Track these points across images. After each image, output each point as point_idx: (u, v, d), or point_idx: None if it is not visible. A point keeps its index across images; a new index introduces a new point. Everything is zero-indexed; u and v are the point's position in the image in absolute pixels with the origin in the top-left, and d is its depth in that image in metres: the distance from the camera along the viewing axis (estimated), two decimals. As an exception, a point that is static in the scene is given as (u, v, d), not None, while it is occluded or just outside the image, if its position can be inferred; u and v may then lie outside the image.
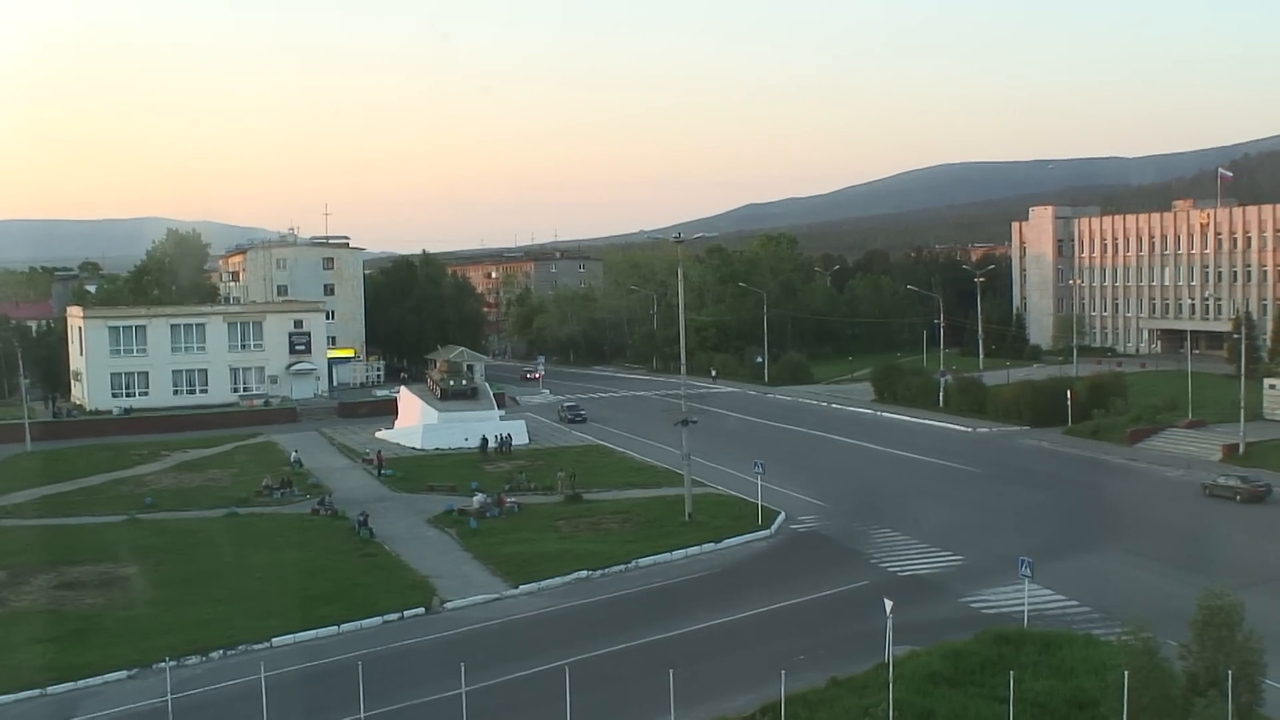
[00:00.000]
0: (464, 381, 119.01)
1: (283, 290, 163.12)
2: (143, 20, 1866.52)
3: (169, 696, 42.60)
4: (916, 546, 65.87)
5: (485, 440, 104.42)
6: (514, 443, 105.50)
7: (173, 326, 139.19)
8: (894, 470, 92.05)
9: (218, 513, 79.74)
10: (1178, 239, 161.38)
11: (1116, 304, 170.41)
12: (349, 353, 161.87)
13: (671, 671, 40.02)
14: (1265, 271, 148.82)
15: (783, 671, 40.02)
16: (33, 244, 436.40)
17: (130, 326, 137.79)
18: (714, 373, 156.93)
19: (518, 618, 55.44)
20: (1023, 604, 49.70)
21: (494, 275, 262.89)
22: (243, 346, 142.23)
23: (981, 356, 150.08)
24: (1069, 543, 65.25)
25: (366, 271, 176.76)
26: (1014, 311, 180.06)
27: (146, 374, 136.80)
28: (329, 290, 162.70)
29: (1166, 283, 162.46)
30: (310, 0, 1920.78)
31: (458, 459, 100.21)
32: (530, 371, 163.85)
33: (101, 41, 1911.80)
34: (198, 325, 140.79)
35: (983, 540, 66.71)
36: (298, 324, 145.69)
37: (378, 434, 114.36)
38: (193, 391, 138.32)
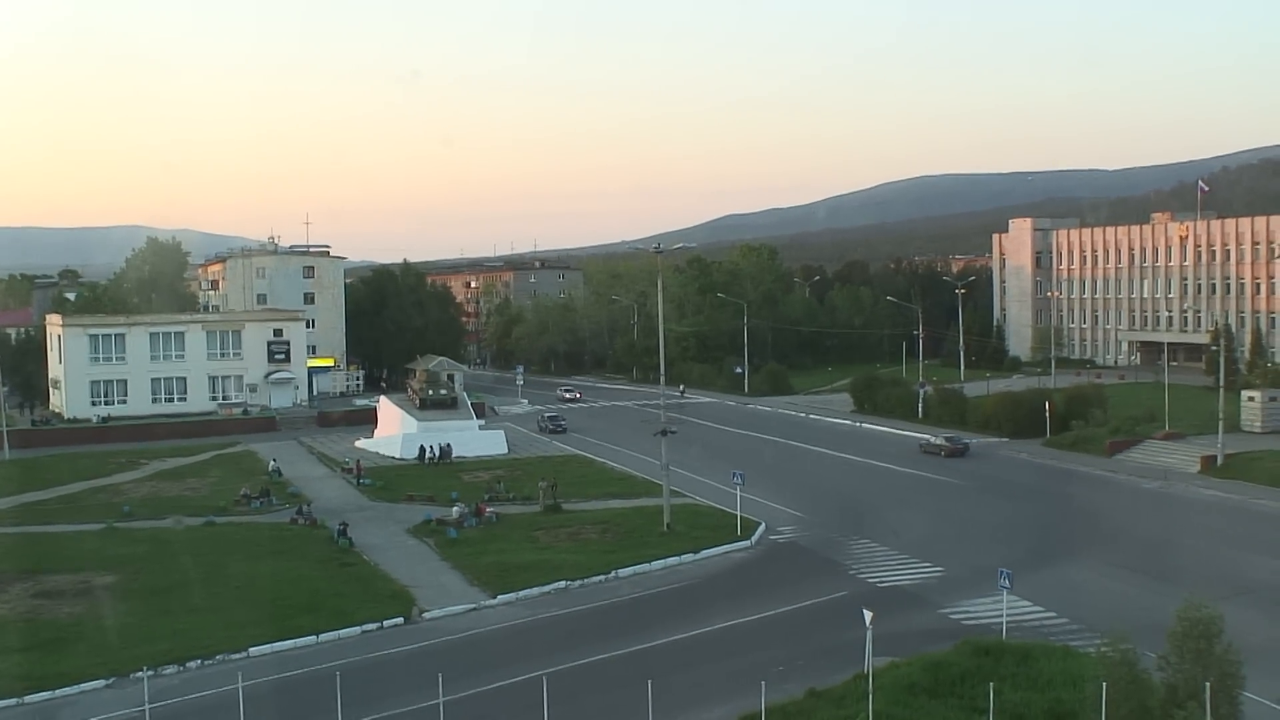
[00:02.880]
0: (443, 391, 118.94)
1: (262, 299, 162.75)
2: (122, 28, 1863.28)
3: (146, 706, 42.44)
4: (896, 557, 65.89)
5: (422, 449, 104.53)
6: (455, 453, 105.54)
7: (152, 335, 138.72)
8: (873, 481, 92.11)
9: (196, 521, 79.46)
10: (1156, 251, 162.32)
11: (1095, 316, 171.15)
12: (328, 362, 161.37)
13: (650, 682, 39.99)
14: (1243, 284, 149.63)
15: (761, 683, 39.94)
16: (12, 251, 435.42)
17: (109, 334, 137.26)
18: (682, 388, 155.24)
19: (496, 628, 55.32)
20: (1002, 615, 49.72)
21: (473, 285, 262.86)
22: (222, 355, 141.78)
23: (962, 368, 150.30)
24: (1048, 554, 65.28)
25: (347, 280, 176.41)
26: (994, 323, 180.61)
27: (125, 382, 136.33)
28: (309, 299, 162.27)
29: (1145, 295, 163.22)
30: (290, 10, 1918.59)
31: (436, 469, 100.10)
32: (568, 390, 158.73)
33: (80, 48, 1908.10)
34: (177, 334, 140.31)
35: (962, 551, 66.77)
36: (277, 333, 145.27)
37: (357, 443, 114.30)
38: (171, 400, 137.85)
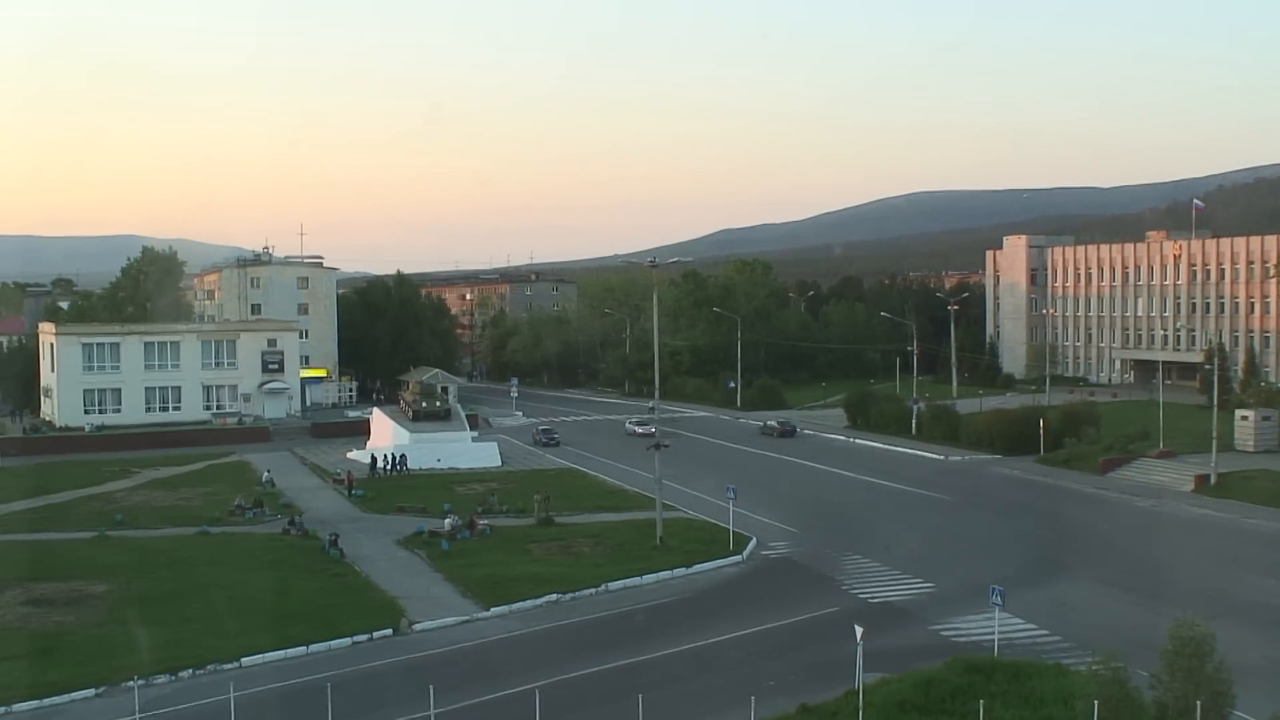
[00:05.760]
0: (436, 403, 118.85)
1: (257, 309, 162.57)
2: (119, 37, 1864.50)
3: (137, 716, 42.41)
4: (888, 573, 65.90)
5: (374, 459, 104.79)
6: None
7: (146, 344, 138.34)
8: (866, 497, 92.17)
9: (189, 531, 79.40)
10: (1151, 270, 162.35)
11: (1089, 334, 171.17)
12: (322, 373, 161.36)
13: (641, 696, 40.00)
14: (1237, 303, 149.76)
15: (752, 698, 39.96)
16: (6, 260, 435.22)
17: (104, 344, 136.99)
18: (651, 405, 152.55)
19: (488, 640, 55.19)
20: (993, 632, 49.71)
21: (469, 297, 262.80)
22: (216, 365, 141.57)
23: (955, 384, 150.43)
24: (1040, 571, 65.37)
25: (341, 291, 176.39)
26: (987, 340, 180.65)
27: (119, 391, 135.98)
28: (303, 310, 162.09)
29: (1139, 313, 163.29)
30: (285, 22, 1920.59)
31: (429, 480, 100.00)
32: (640, 422, 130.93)
33: (78, 58, 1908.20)
34: (172, 343, 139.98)
35: (954, 568, 66.80)
36: (271, 343, 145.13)
37: (349, 454, 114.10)
38: (166, 409, 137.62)
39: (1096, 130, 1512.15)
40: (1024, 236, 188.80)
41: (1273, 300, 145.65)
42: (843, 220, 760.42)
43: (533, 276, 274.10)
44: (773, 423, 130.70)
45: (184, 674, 49.75)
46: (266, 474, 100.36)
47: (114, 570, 67.69)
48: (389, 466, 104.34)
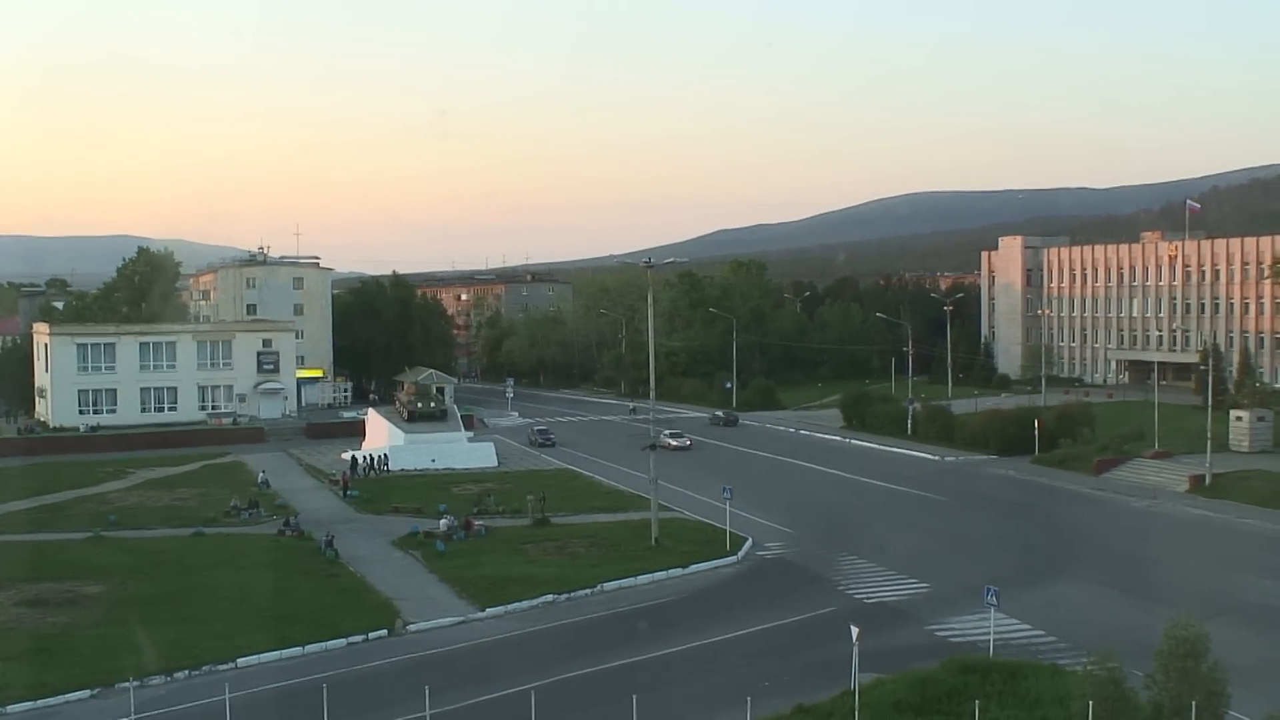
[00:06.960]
0: (432, 404, 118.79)
1: (252, 309, 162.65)
2: (114, 38, 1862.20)
3: (132, 717, 42.36)
4: (883, 574, 65.92)
5: (355, 460, 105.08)
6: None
7: (141, 344, 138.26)
8: (862, 497, 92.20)
9: (184, 532, 79.33)
10: (1146, 270, 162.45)
11: (1084, 334, 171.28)
12: (317, 373, 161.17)
13: (636, 697, 39.99)
14: (1232, 304, 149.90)
15: (748, 698, 39.97)
16: (2, 260, 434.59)
17: (99, 344, 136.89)
18: (633, 407, 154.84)
19: (483, 641, 55.17)
20: (989, 633, 49.71)
21: (464, 297, 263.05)
22: (212, 365, 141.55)
23: (950, 385, 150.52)
24: (1035, 572, 65.38)
25: (336, 292, 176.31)
26: (982, 340, 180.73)
27: (114, 391, 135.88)
28: (298, 310, 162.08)
29: (1134, 314, 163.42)
30: (281, 24, 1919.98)
31: (423, 481, 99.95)
32: (673, 434, 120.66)
33: (74, 57, 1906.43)
34: (167, 343, 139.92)
35: (949, 568, 66.82)
36: (266, 343, 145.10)
37: (343, 455, 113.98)
38: (161, 410, 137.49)
39: (1092, 131, 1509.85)
40: (1019, 237, 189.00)
41: (1267, 301, 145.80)
42: (839, 221, 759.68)
43: (528, 277, 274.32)
44: (719, 414, 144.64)
45: (179, 675, 49.74)
46: (262, 474, 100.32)
47: (109, 571, 67.65)
48: (369, 466, 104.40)
